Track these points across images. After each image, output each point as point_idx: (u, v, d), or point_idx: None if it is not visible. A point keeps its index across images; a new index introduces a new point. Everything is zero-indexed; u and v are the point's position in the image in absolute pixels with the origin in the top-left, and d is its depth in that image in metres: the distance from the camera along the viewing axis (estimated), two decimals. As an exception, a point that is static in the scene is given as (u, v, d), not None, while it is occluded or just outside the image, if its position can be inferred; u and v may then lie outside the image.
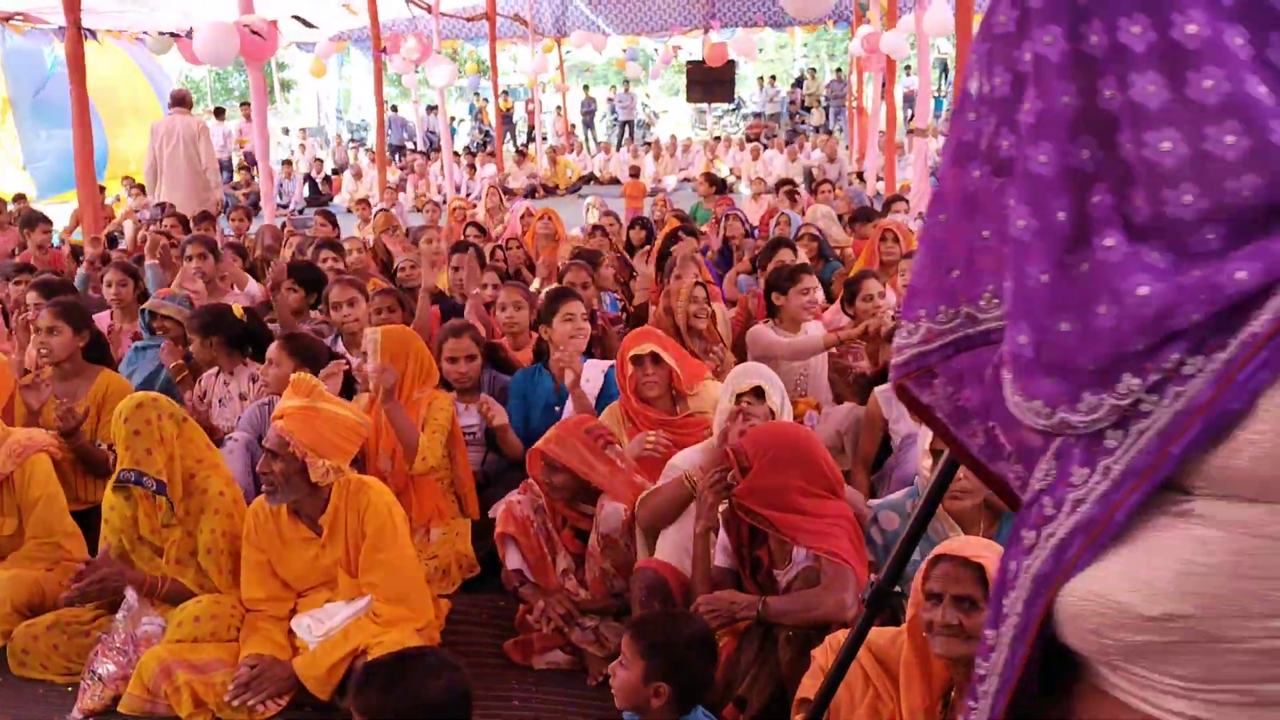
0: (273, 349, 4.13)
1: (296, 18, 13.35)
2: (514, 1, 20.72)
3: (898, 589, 1.68)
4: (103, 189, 9.95)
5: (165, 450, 3.21)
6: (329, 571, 3.26)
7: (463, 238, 7.17)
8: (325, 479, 3.14)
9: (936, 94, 20.87)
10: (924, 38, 9.97)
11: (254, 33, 7.53)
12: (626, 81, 26.62)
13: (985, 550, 2.19)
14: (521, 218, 8.95)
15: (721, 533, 3.01)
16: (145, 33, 15.75)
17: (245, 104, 20.15)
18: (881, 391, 4.10)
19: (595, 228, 7.71)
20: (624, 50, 24.08)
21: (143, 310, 4.93)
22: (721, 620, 2.73)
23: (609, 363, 4.28)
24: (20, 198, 12.12)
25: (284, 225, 9.04)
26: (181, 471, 3.25)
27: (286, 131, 24.98)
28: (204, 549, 3.25)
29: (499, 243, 7.31)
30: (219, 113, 19.92)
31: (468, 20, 18.57)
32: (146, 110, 18.20)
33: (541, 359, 4.40)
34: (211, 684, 2.99)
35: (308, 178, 17.96)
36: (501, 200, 10.66)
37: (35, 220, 7.73)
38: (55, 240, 8.48)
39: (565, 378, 4.00)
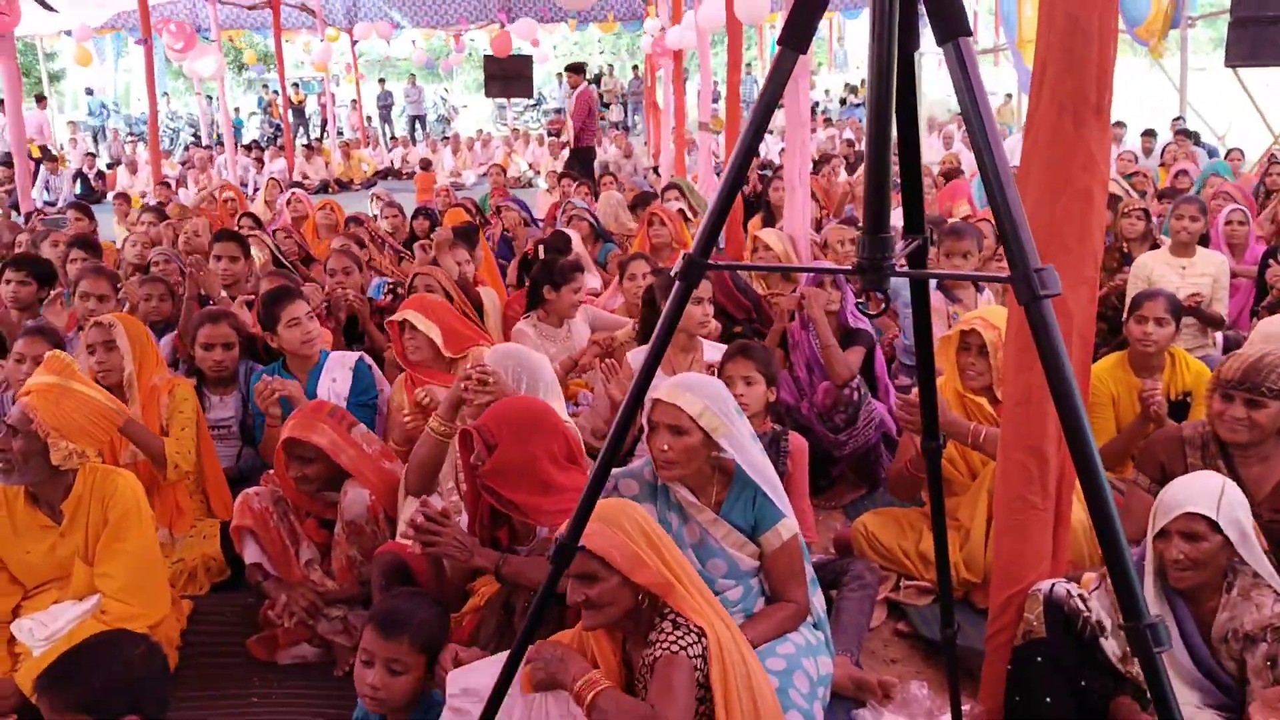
0: (21, 343, 3.90)
1: (39, 1, 12.46)
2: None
3: (582, 545, 1.71)
4: None
5: None
6: (65, 564, 3.09)
7: (236, 228, 6.88)
8: (67, 463, 3.00)
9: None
10: (703, 33, 10.22)
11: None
12: (413, 75, 26.28)
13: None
14: (289, 203, 8.70)
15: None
16: None
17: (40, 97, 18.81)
18: (634, 355, 4.20)
19: (350, 218, 7.58)
20: (413, 43, 23.71)
21: None
22: (457, 557, 2.72)
23: (355, 355, 4.21)
24: None
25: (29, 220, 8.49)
26: None
27: (74, 125, 23.41)
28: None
29: (268, 233, 7.06)
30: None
31: (249, 9, 17.83)
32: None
33: (281, 359, 4.23)
34: (-85, 706, 2.78)
35: (79, 173, 16.87)
36: (281, 192, 10.33)
37: None
38: None
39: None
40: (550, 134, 21.78)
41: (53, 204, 14.57)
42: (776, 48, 1.49)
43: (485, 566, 2.74)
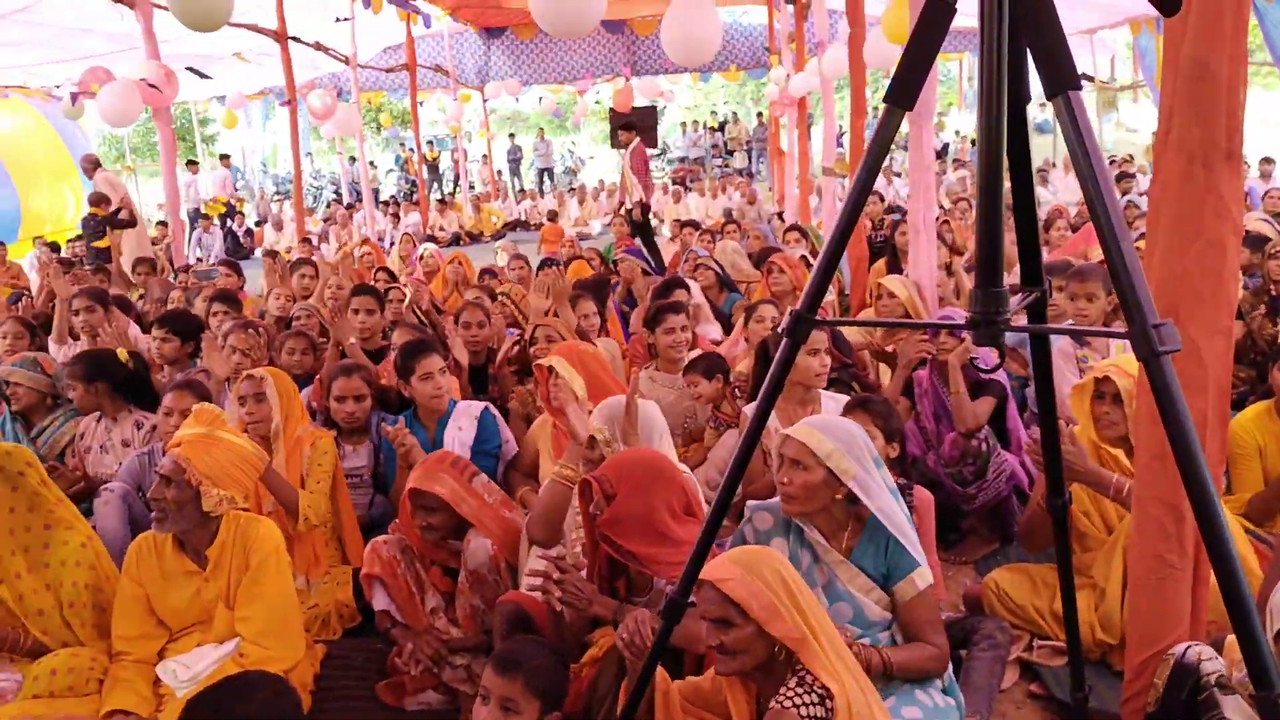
0: (170, 397, 4.11)
1: (191, 69, 13.27)
2: (435, 52, 20.86)
3: (691, 600, 1.71)
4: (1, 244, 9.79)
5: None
6: (209, 608, 3.23)
7: (371, 281, 7.15)
8: (218, 509, 3.15)
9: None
10: (827, 79, 10.22)
11: (151, 85, 7.50)
12: (541, 129, 27.00)
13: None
14: (420, 259, 8.99)
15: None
16: (55, 95, 15.58)
17: (191, 161, 20.14)
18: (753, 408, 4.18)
19: (484, 270, 7.77)
20: (539, 99, 24.37)
21: None
22: (576, 605, 2.73)
23: (481, 405, 4.29)
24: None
25: (178, 277, 8.97)
26: (30, 529, 3.19)
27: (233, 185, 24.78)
28: (66, 603, 3.20)
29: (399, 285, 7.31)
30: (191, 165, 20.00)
31: (386, 71, 18.62)
32: (60, 169, 17.99)
33: (411, 408, 4.37)
34: (71, 740, 2.93)
35: (229, 231, 17.81)
36: (415, 246, 10.69)
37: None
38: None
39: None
40: (675, 182, 22.01)
41: (202, 260, 15.42)
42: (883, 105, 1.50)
43: (604, 616, 2.76)
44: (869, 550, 2.78)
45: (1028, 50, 1.40)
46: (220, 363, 4.72)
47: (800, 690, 2.22)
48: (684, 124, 28.47)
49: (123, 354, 4.56)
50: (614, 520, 2.80)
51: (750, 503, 3.23)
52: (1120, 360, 3.44)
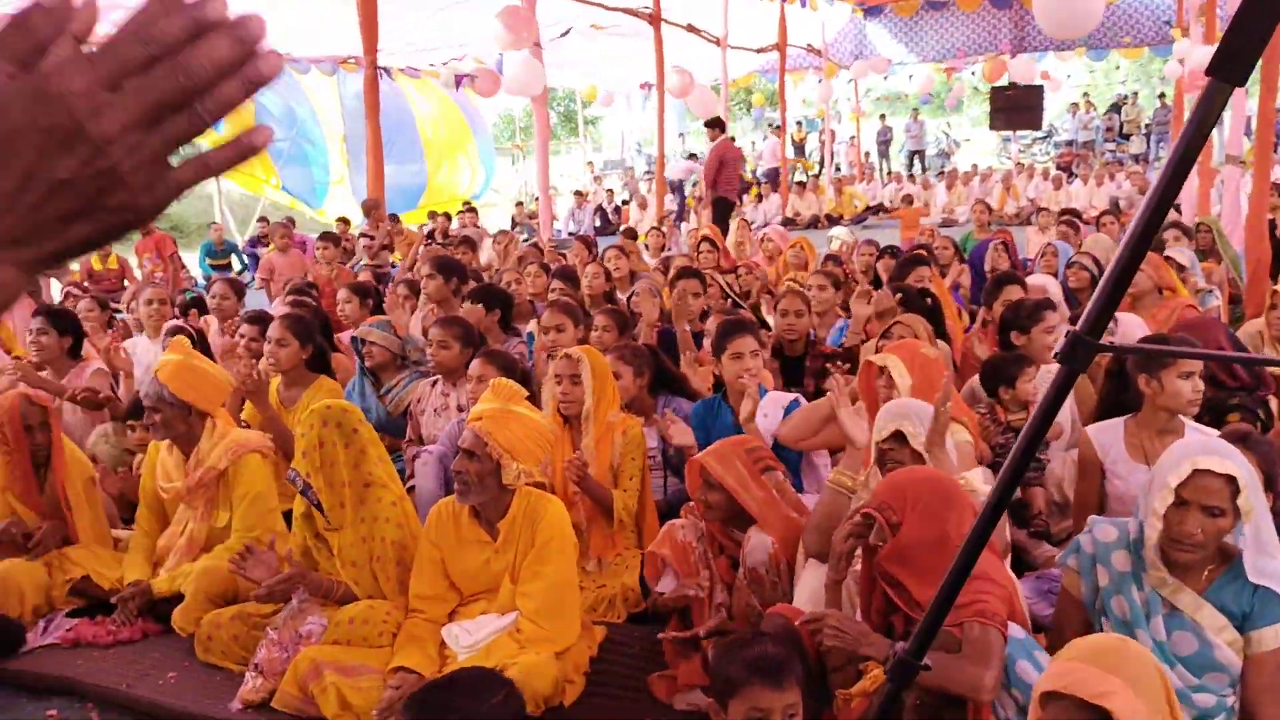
0: (475, 364, 4.28)
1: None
2: (807, 31, 20.66)
3: (925, 662, 1.45)
4: (394, 218, 10.77)
5: (330, 465, 3.35)
6: (496, 579, 3.32)
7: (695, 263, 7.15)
8: (516, 481, 3.23)
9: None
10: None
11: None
12: (915, 110, 25.96)
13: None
14: (760, 241, 8.85)
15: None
16: (434, 65, 17.00)
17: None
18: (1096, 430, 3.67)
19: (828, 257, 7.49)
20: (909, 78, 23.46)
21: (354, 338, 5.23)
22: (843, 646, 2.48)
23: (791, 396, 4.09)
24: (344, 221, 13.43)
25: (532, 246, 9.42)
26: (355, 482, 3.39)
27: (591, 165, 26.24)
28: (375, 557, 3.39)
29: (733, 268, 7.24)
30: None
31: (756, 52, 18.69)
32: (461, 144, 19.75)
33: (721, 389, 4.27)
34: (358, 688, 3.07)
35: (599, 208, 18.70)
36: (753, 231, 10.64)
37: (327, 239, 8.54)
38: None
39: (741, 411, 3.87)
40: (1059, 168, 20.46)
41: (574, 234, 16.29)
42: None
43: (874, 656, 2.49)
44: (1229, 587, 2.41)
45: None
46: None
47: None
48: (1074, 105, 26.37)
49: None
50: (897, 553, 2.52)
51: (1092, 516, 2.83)
52: None
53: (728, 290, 6.41)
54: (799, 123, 25.98)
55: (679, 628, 3.27)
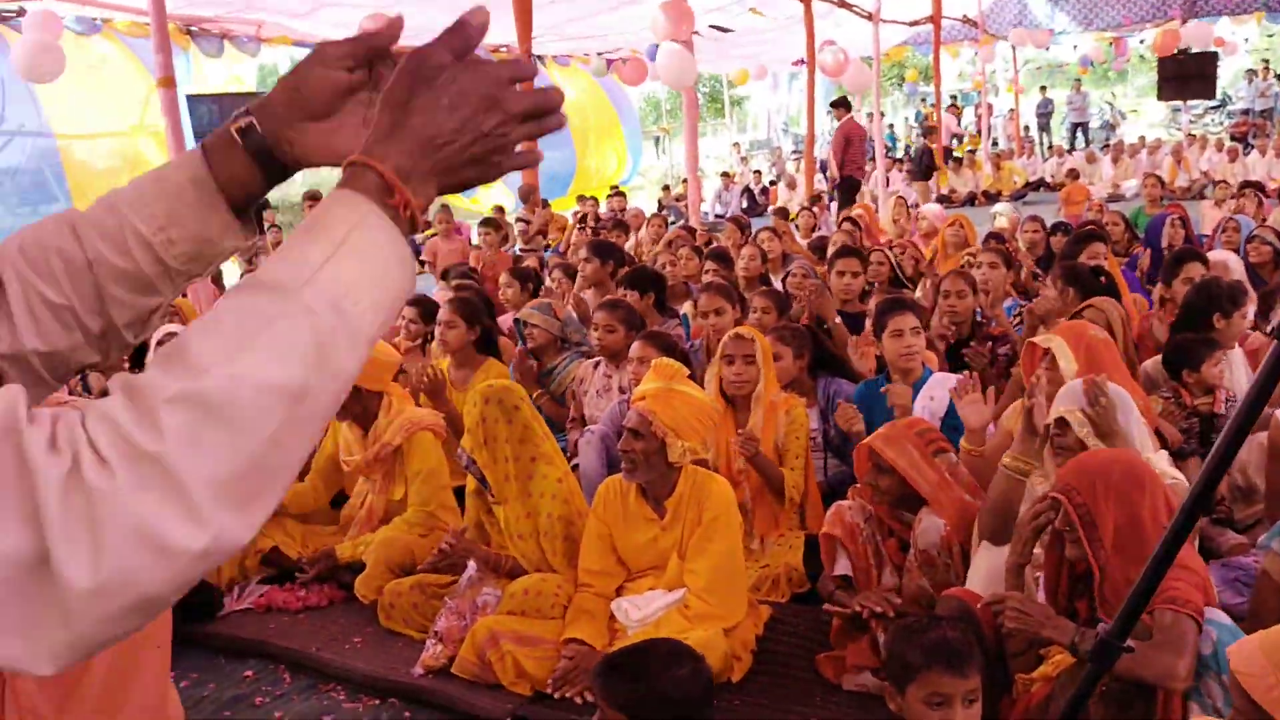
0: (636, 346, 4.34)
1: (714, 27, 13.86)
2: (963, 1, 20.01)
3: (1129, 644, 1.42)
4: (546, 203, 10.99)
5: (493, 442, 3.46)
6: (663, 555, 3.36)
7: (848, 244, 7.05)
8: (682, 459, 3.27)
9: None
10: None
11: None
12: (1078, 81, 24.83)
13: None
14: (916, 220, 8.64)
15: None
16: (588, 54, 17.17)
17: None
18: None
19: (990, 235, 7.26)
20: (1074, 47, 22.45)
21: (516, 320, 5.36)
22: (1025, 629, 2.43)
23: (957, 377, 4.00)
24: (499, 209, 13.78)
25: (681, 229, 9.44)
26: (518, 458, 3.50)
27: (738, 146, 26.11)
28: (542, 531, 3.49)
29: (886, 247, 7.09)
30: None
31: (909, 25, 18.23)
32: (608, 129, 19.95)
33: (884, 370, 4.22)
34: (533, 657, 3.19)
35: (746, 189, 18.61)
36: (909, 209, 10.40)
37: (488, 224, 8.79)
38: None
39: (893, 398, 3.81)
40: (1234, 139, 19.31)
41: (722, 216, 16.26)
42: None
43: (1058, 640, 2.43)
44: None
45: None
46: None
47: None
48: (1250, 71, 24.79)
49: None
50: (1089, 537, 2.45)
51: None
52: None
53: (895, 268, 6.29)
54: (953, 97, 25.23)
55: (844, 605, 3.24)
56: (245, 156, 0.97)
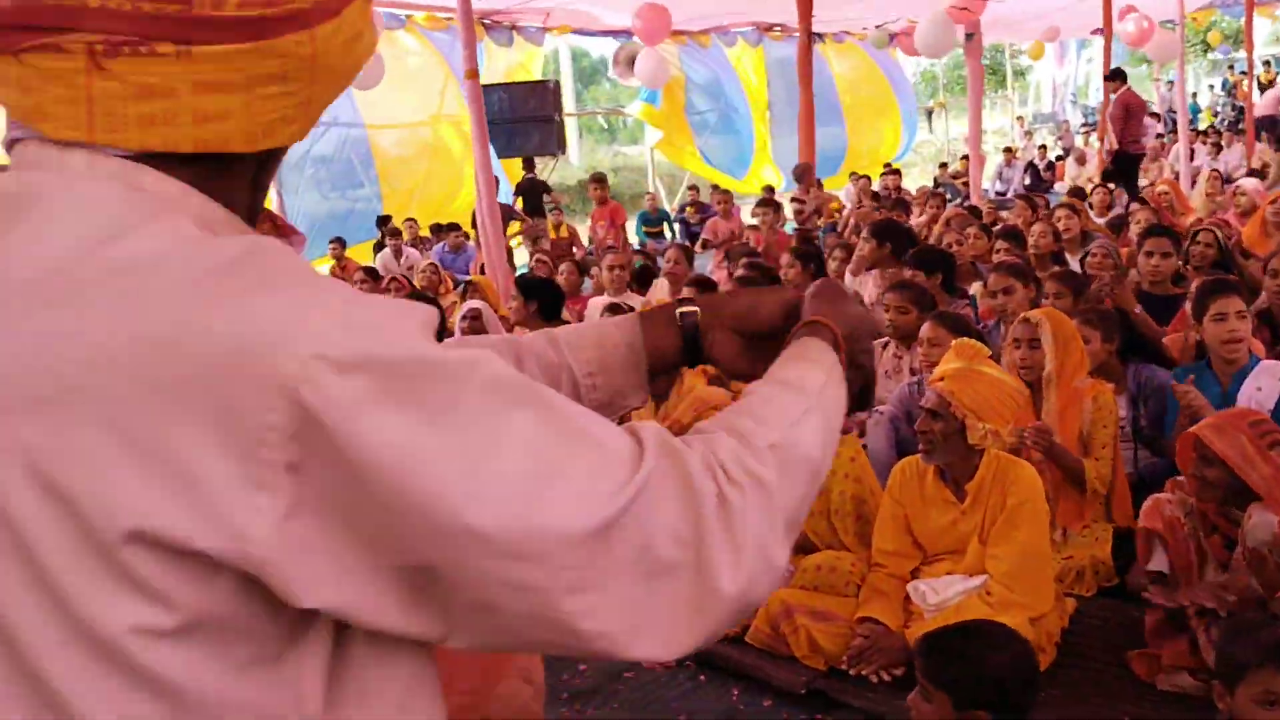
0: (926, 327, 4.27)
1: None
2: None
3: None
4: (820, 184, 10.94)
5: None
6: (962, 539, 3.31)
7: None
8: (982, 441, 3.21)
9: None
10: None
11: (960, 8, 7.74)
12: None
13: None
14: (1233, 196, 7.92)
15: None
16: (866, 29, 16.82)
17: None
18: None
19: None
20: None
21: None
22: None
23: (1288, 363, 3.70)
24: (769, 189, 13.86)
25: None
26: None
27: (1021, 120, 24.92)
28: (834, 508, 3.53)
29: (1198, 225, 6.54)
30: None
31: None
32: (883, 106, 19.54)
33: (1204, 356, 3.93)
34: (827, 632, 3.23)
35: (1030, 165, 17.70)
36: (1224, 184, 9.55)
37: (765, 204, 8.87)
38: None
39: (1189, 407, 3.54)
40: None
41: (1002, 194, 15.57)
42: None
43: None
44: None
45: None
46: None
47: None
48: None
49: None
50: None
51: None
52: None
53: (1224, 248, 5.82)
54: (1266, 62, 22.91)
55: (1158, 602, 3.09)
56: (675, 335, 1.11)
